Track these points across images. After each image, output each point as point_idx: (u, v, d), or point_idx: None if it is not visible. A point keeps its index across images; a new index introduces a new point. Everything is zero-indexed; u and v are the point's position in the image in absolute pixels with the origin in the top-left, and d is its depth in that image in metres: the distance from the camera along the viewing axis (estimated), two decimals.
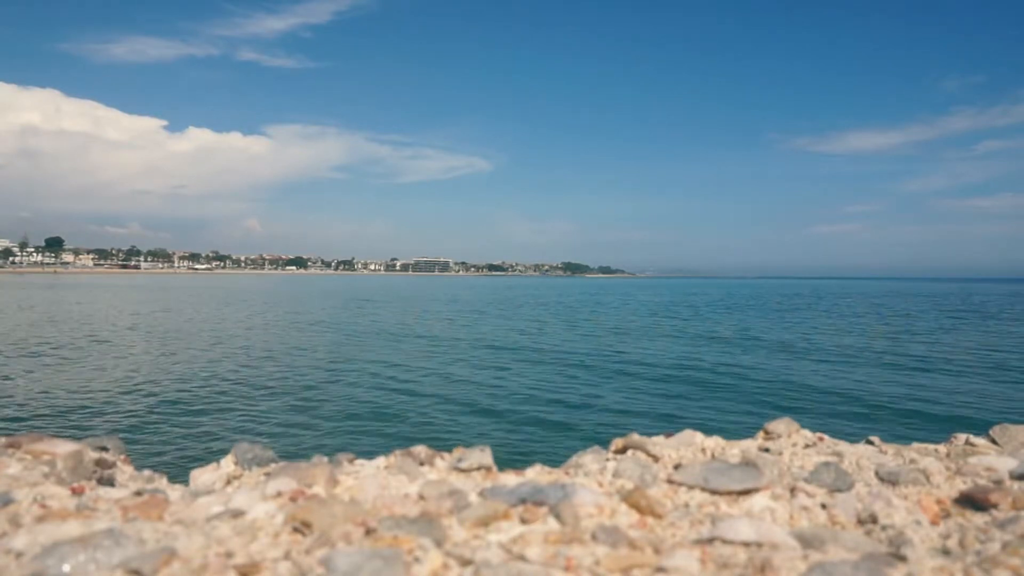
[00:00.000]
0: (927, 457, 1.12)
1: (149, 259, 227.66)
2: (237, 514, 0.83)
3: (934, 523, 0.87)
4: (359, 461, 1.09)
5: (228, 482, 1.03)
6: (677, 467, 1.04)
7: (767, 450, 1.13)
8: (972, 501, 0.92)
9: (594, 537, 0.79)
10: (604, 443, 1.17)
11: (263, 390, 14.09)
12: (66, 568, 0.67)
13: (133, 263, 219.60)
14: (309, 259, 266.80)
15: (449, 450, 1.12)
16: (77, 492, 0.91)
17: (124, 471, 1.07)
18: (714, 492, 0.94)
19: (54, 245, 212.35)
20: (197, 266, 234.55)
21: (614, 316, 38.83)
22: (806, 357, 19.94)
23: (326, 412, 12.04)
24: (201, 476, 1.04)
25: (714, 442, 1.16)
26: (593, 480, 1.00)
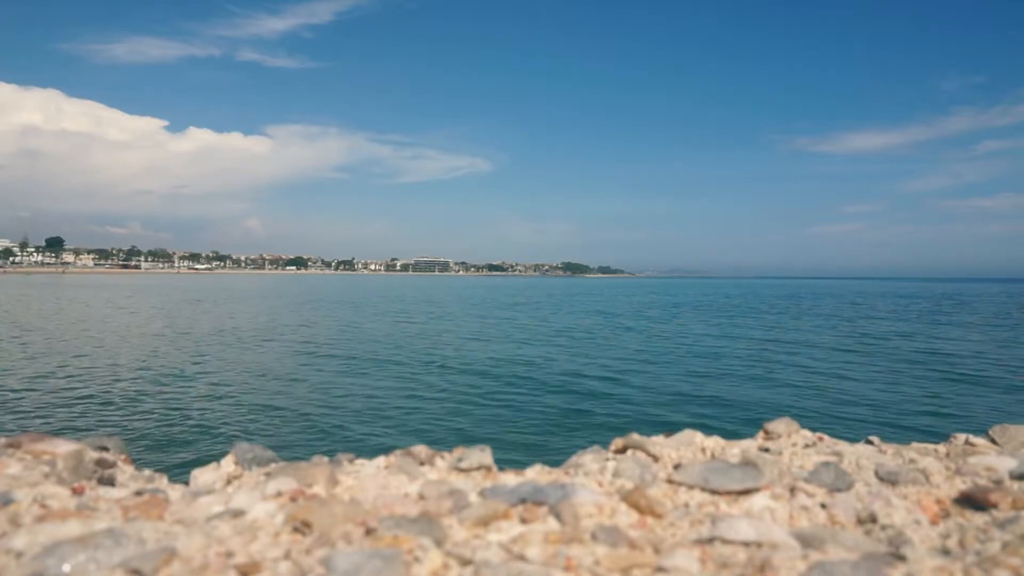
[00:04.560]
0: (927, 457, 1.12)
1: (149, 259, 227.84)
2: (237, 514, 0.83)
3: (934, 523, 0.87)
4: (359, 461, 1.09)
5: (228, 482, 1.03)
6: (677, 467, 1.04)
7: (767, 450, 1.13)
8: (972, 501, 0.92)
9: (594, 537, 0.79)
10: (604, 443, 1.17)
11: (264, 390, 14.09)
12: (66, 568, 0.67)
13: (133, 263, 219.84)
14: (309, 259, 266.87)
15: (449, 450, 1.12)
16: (77, 492, 0.91)
17: (124, 471, 1.07)
18: (714, 492, 0.94)
19: (54, 245, 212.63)
20: (197, 266, 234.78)
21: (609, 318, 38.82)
22: (805, 357, 19.95)
23: (326, 412, 12.04)
24: (201, 476, 1.04)
25: (714, 442, 1.16)
26: (593, 480, 1.00)
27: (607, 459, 1.08)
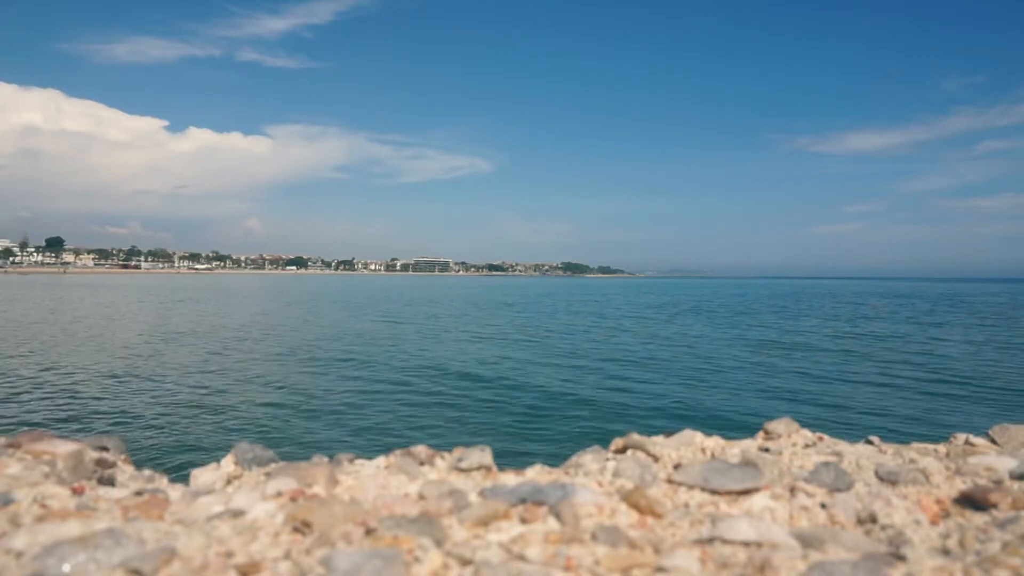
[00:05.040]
0: (927, 457, 1.12)
1: (149, 259, 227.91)
2: (237, 514, 0.83)
3: (934, 523, 0.87)
4: (359, 461, 1.09)
5: (228, 482, 1.03)
6: (677, 467, 1.04)
7: (767, 450, 1.13)
8: (972, 501, 0.92)
9: (594, 537, 0.79)
10: (604, 443, 1.17)
11: (263, 390, 14.09)
12: (66, 568, 0.67)
13: (133, 263, 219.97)
14: (309, 259, 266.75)
15: (449, 450, 1.12)
16: (77, 492, 0.91)
17: (124, 471, 1.06)
18: (714, 492, 0.94)
19: (54, 245, 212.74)
20: (197, 266, 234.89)
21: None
22: (804, 357, 19.94)
23: (326, 412, 12.04)
24: (201, 476, 1.04)
25: (714, 442, 1.16)
26: (593, 480, 1.00)
27: (607, 459, 1.08)
